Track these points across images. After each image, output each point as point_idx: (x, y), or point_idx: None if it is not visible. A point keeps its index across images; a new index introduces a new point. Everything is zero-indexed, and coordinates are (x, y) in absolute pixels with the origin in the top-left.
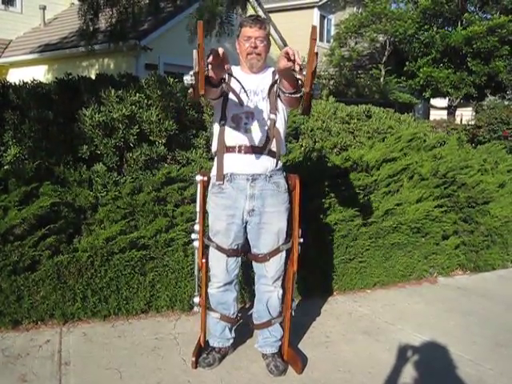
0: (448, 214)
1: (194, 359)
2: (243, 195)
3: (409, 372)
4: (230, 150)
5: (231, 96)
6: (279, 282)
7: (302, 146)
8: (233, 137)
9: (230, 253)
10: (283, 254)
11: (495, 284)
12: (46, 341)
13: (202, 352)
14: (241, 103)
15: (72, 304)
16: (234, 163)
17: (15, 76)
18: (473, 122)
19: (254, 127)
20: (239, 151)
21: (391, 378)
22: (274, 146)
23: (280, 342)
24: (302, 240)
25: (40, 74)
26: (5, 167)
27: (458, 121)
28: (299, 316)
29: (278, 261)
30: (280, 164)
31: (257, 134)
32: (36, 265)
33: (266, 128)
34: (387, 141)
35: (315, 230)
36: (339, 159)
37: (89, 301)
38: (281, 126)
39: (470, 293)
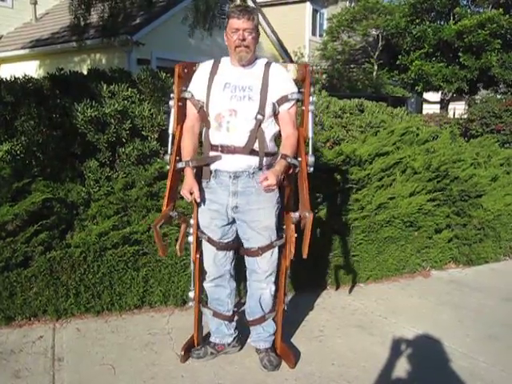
0: (441, 207)
1: (182, 353)
2: (226, 191)
3: (402, 365)
4: (214, 148)
5: (213, 90)
6: (272, 278)
7: None
8: (215, 136)
9: (219, 246)
10: (275, 249)
11: (488, 277)
12: (39, 337)
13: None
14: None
15: (65, 300)
16: (218, 160)
17: (6, 71)
18: (465, 116)
19: (236, 126)
20: (221, 151)
21: (385, 372)
22: (256, 146)
23: (273, 337)
24: (296, 235)
25: (31, 69)
26: None
27: (450, 115)
28: (292, 310)
29: (269, 256)
30: (266, 161)
31: (238, 134)
32: (28, 261)
33: (251, 128)
34: (380, 135)
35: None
36: (332, 153)
37: (82, 296)
38: (267, 126)
39: (463, 286)
